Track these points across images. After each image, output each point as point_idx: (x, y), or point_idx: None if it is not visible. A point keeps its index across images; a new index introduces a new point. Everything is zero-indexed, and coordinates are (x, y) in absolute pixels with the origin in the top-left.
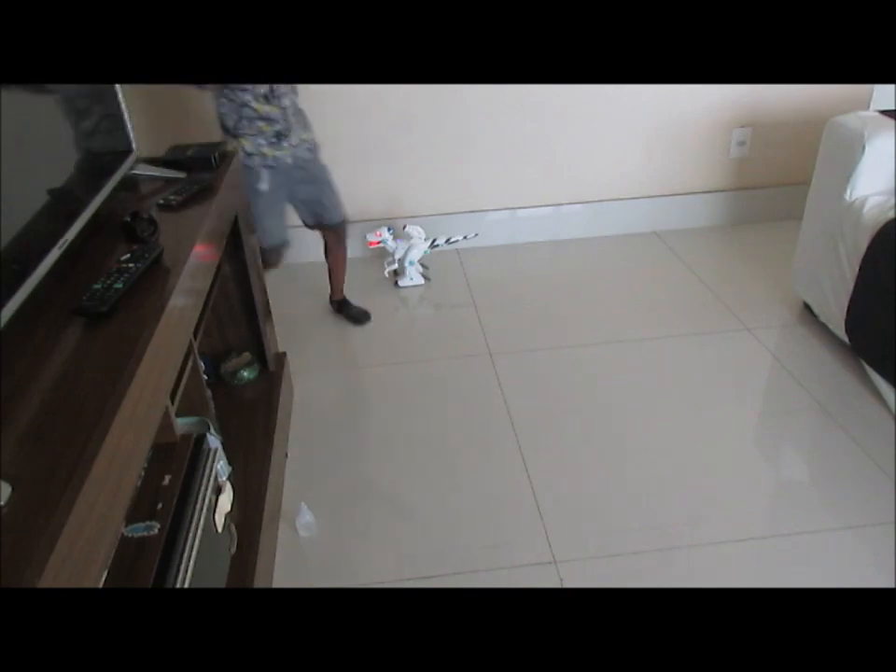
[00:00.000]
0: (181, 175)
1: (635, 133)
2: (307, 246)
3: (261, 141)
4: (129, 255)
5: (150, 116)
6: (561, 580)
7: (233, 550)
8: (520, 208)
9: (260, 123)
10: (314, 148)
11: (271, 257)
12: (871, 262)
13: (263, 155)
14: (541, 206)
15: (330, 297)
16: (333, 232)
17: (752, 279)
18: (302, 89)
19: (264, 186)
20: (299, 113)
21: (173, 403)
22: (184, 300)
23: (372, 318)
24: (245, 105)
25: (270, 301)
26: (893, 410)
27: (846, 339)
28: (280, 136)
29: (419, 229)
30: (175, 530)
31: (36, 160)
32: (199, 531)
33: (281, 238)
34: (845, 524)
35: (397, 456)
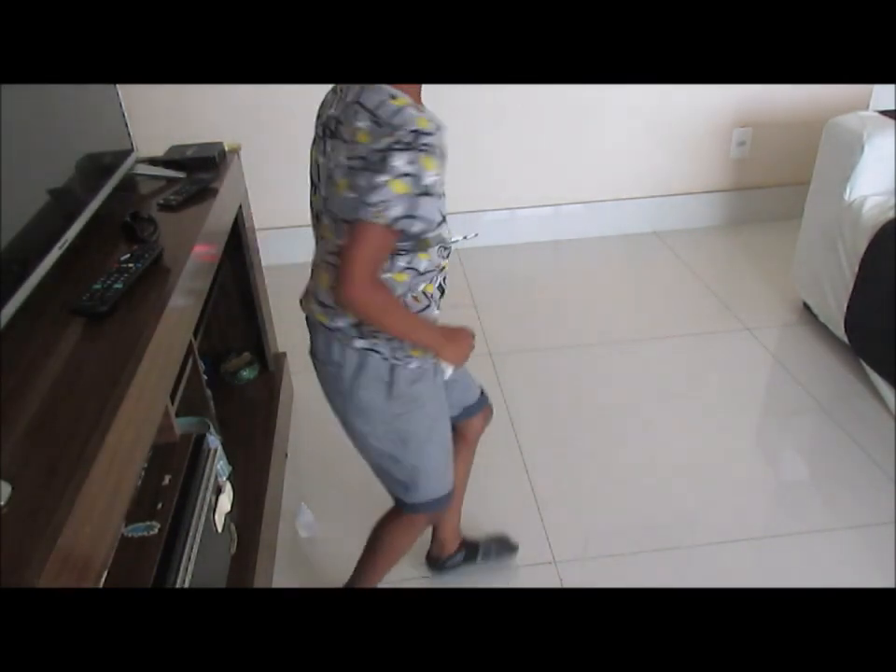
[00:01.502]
0: (181, 175)
1: (635, 134)
2: (307, 246)
3: (437, 312)
4: (129, 255)
5: (150, 116)
6: (561, 580)
7: (233, 550)
8: (520, 208)
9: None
10: None
11: (441, 507)
12: (870, 262)
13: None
14: (541, 206)
15: (431, 552)
16: (478, 418)
17: (752, 279)
18: (304, 89)
19: (448, 372)
20: None
21: (173, 403)
22: (184, 300)
23: None
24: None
25: (270, 301)
26: (893, 410)
27: (846, 339)
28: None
29: None
30: (174, 530)
31: (37, 160)
32: (199, 531)
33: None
34: (845, 524)
35: None
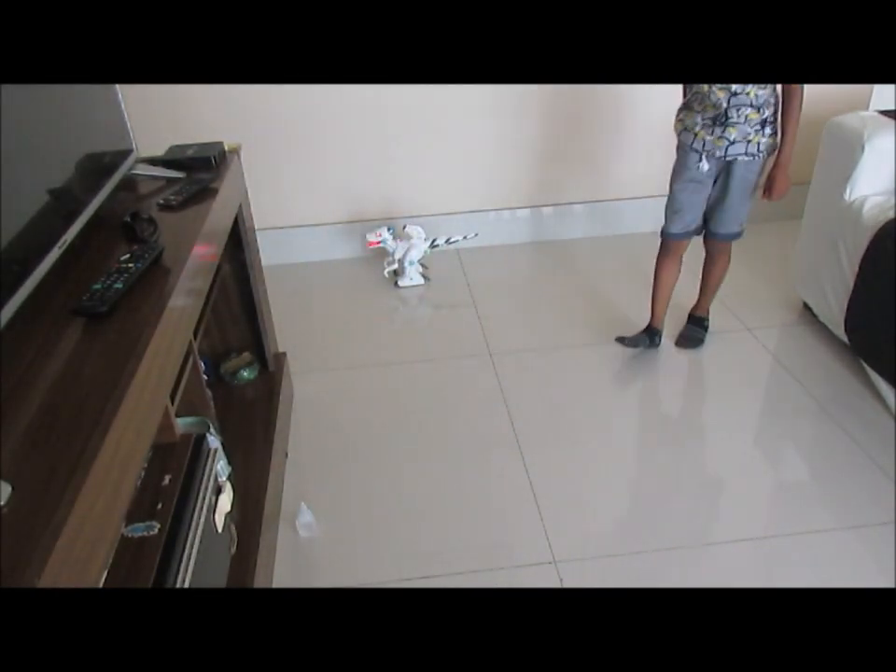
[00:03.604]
0: (181, 175)
1: (635, 133)
2: (307, 246)
3: (698, 119)
4: (129, 255)
5: (150, 116)
6: (561, 580)
7: (233, 550)
8: (520, 208)
9: (707, 101)
10: (757, 153)
11: (670, 245)
12: (871, 262)
13: (696, 135)
14: (541, 206)
15: (692, 310)
16: (719, 244)
17: (752, 279)
18: (304, 89)
19: (704, 167)
20: (760, 109)
21: (173, 403)
22: (184, 300)
23: (373, 318)
24: None
25: (270, 301)
26: (893, 410)
27: (846, 339)
28: (716, 123)
29: (419, 229)
30: (174, 530)
31: (37, 160)
32: (199, 531)
33: (690, 225)
34: (845, 524)
35: (397, 456)
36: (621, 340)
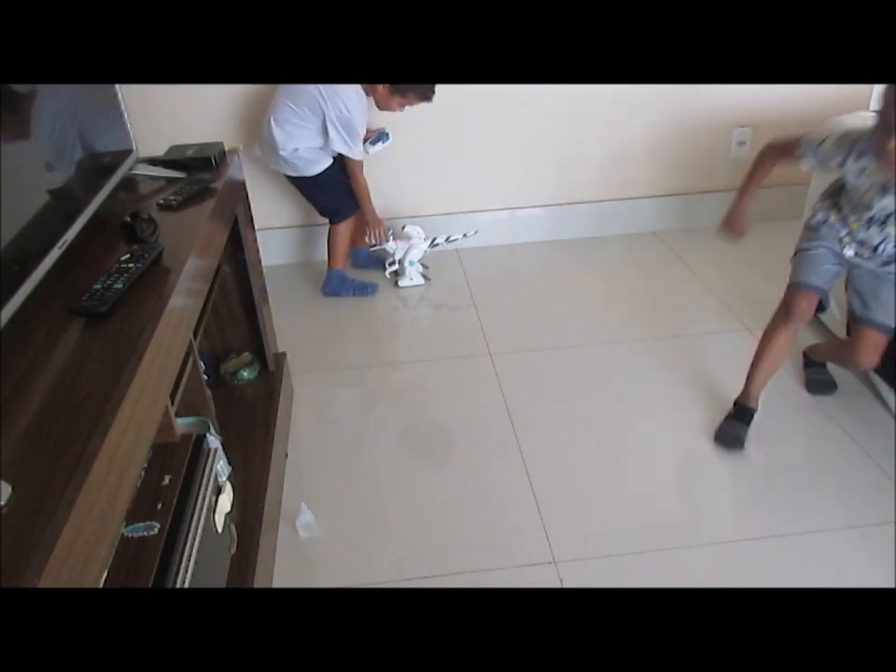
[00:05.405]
0: (181, 175)
1: (635, 133)
2: (307, 246)
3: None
4: (129, 255)
5: (150, 116)
6: (561, 580)
7: (233, 550)
8: (520, 208)
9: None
10: None
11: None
12: None
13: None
14: (541, 206)
15: None
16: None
17: (752, 279)
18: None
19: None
20: None
21: (173, 403)
22: (184, 300)
23: (373, 318)
24: None
25: (270, 301)
26: (893, 410)
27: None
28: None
29: (419, 229)
30: (175, 530)
31: (37, 160)
32: (199, 531)
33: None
34: (845, 524)
35: (397, 456)
36: (720, 440)
